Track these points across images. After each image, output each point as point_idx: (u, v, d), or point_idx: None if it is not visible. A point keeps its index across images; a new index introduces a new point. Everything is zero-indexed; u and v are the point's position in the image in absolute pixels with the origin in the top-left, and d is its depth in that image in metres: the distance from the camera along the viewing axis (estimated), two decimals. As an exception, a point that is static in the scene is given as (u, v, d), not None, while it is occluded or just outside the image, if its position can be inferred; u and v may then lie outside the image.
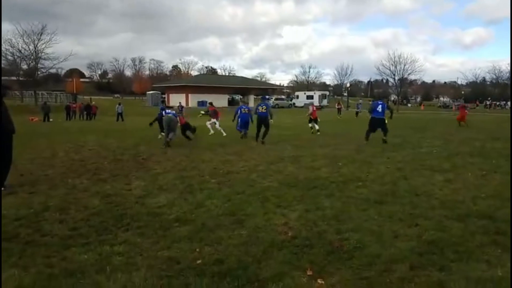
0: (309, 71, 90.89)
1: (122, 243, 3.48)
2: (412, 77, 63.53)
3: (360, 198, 5.00)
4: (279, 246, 3.41)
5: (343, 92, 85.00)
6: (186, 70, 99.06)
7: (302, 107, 50.52)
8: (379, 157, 8.60)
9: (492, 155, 8.70)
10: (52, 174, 6.63)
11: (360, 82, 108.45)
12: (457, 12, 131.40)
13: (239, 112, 13.26)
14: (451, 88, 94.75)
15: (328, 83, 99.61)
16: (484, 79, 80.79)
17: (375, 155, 9.01)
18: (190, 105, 45.98)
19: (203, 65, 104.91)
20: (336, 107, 33.66)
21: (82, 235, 3.67)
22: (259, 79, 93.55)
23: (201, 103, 42.63)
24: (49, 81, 68.52)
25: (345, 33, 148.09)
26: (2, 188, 5.18)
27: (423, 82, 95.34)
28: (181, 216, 4.27)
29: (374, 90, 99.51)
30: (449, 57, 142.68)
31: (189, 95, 47.90)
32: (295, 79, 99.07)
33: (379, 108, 11.77)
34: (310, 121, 15.41)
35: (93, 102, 35.07)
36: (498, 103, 65.00)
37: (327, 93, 62.35)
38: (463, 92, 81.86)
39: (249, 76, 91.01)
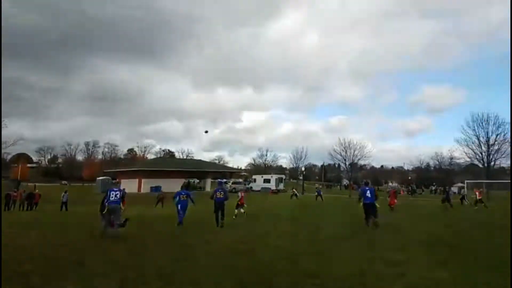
0: (266, 155, 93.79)
1: None
2: (361, 162, 67.56)
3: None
4: None
5: (298, 176, 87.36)
6: (142, 153, 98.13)
7: (259, 191, 50.66)
8: (335, 249, 8.45)
9: (440, 244, 8.91)
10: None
11: (315, 166, 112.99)
12: (402, 102, 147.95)
13: (177, 198, 13.09)
14: (398, 173, 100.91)
15: (284, 166, 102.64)
16: (428, 165, 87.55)
17: (331, 246, 8.86)
18: (142, 190, 44.37)
19: (160, 148, 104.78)
20: (291, 192, 34.91)
21: None
22: (217, 162, 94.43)
23: (155, 189, 41.30)
24: (-8, 167, 64.06)
25: (301, 119, 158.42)
26: None
27: (372, 167, 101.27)
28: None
29: (328, 174, 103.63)
30: (395, 143, 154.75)
31: (142, 180, 46.39)
32: (253, 162, 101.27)
33: (368, 194, 12.52)
34: (237, 206, 15.98)
35: (37, 190, 32.69)
36: (442, 188, 69.40)
37: (283, 176, 63.59)
38: (410, 178, 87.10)
39: (208, 159, 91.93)
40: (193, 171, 54.33)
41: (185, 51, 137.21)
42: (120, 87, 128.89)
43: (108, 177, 52.69)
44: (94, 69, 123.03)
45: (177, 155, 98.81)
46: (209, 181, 54.50)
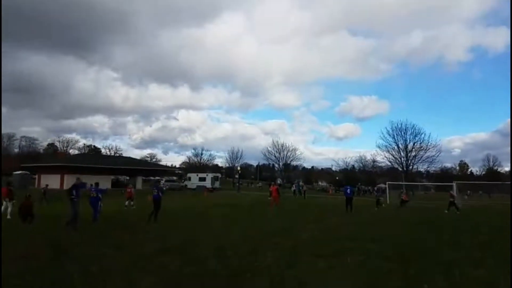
0: (201, 154, 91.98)
1: None
2: (294, 163, 70.29)
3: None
4: None
5: (235, 175, 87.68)
6: (64, 148, 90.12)
7: (194, 189, 49.84)
8: (266, 244, 8.58)
9: (365, 239, 9.52)
10: None
11: (250, 165, 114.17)
12: (332, 110, 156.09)
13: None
14: (327, 174, 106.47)
15: (220, 165, 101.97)
16: (353, 167, 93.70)
17: (263, 241, 8.98)
18: (65, 187, 41.00)
19: (84, 144, 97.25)
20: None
21: None
22: (149, 159, 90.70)
23: (80, 185, 38.33)
24: None
25: (238, 120, 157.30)
26: None
27: (304, 168, 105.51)
28: None
29: (263, 173, 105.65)
30: (325, 146, 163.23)
31: (65, 176, 42.65)
32: (188, 160, 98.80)
33: (348, 191, 19.41)
34: (127, 199, 19.63)
35: None
36: (367, 188, 74.61)
37: (219, 175, 63.04)
38: (337, 178, 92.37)
39: (139, 157, 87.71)
40: (123, 168, 51.32)
41: (116, 46, 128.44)
42: (43, 79, 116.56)
43: (26, 172, 47.57)
44: (13, 58, 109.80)
45: (104, 151, 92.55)
46: (140, 179, 51.96)
